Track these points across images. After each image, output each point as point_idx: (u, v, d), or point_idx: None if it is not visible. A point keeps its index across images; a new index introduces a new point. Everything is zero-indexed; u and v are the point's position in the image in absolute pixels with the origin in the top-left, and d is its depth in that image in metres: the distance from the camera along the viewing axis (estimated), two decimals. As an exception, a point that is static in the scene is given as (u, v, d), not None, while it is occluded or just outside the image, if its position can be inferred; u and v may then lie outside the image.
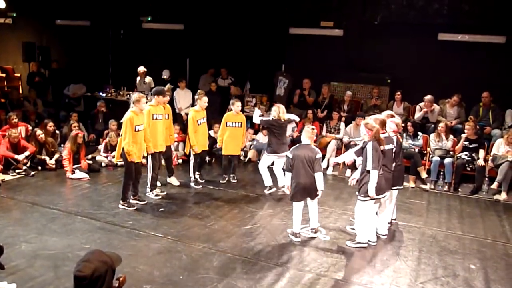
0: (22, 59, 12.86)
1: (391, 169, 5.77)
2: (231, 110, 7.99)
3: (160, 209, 6.65)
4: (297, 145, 5.83)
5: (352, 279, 4.85)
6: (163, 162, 7.70)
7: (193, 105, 9.72)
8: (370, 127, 5.38)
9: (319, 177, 5.59)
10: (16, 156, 7.90)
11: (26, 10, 12.88)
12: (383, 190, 5.47)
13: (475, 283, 4.87)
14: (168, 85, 8.54)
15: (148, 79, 11.21)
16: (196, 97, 7.79)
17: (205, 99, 7.66)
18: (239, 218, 6.43)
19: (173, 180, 7.76)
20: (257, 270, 4.90)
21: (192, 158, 7.76)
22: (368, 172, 5.30)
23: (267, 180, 7.49)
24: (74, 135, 8.23)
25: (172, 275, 4.71)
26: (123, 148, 6.34)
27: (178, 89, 10.48)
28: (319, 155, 5.66)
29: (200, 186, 7.77)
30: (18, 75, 13.28)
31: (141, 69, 11.14)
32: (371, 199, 5.38)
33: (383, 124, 5.70)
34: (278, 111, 7.20)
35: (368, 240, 5.64)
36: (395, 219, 6.41)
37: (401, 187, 6.21)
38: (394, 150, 5.79)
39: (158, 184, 7.39)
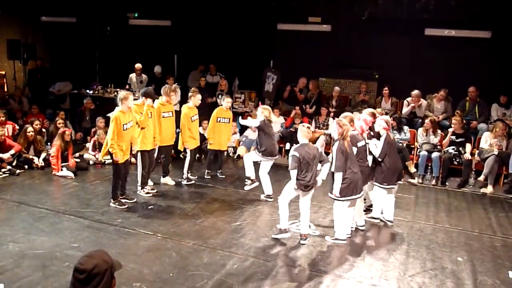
0: (6, 56, 12.66)
1: (368, 165, 5.89)
2: (221, 105, 8.04)
3: (150, 207, 6.61)
4: (299, 144, 5.49)
5: (342, 273, 4.88)
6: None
7: (181, 102, 9.70)
8: (342, 124, 5.41)
9: (326, 167, 5.48)
10: (0, 155, 7.79)
11: (10, 6, 12.66)
12: (359, 189, 5.50)
13: (462, 275, 4.93)
14: (175, 85, 8.53)
15: (143, 77, 11.15)
16: (190, 94, 7.75)
17: (199, 96, 7.69)
18: (229, 215, 6.43)
19: (168, 180, 7.68)
20: (247, 266, 4.90)
21: (188, 155, 7.74)
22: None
23: (269, 189, 7.07)
24: (61, 132, 8.14)
25: (162, 272, 4.69)
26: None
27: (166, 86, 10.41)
28: (320, 149, 5.70)
29: (192, 182, 7.78)
30: (3, 73, 13.06)
31: (138, 65, 11.09)
32: (347, 199, 5.43)
33: (351, 121, 5.79)
34: (269, 113, 7.06)
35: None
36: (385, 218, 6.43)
37: (394, 186, 6.25)
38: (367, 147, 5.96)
39: (150, 182, 7.32)
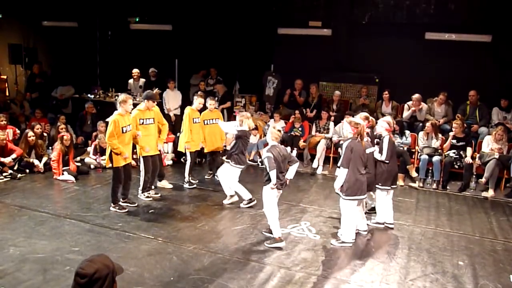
0: (8, 61, 12.71)
1: (373, 171, 5.90)
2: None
3: (150, 211, 6.62)
4: (269, 146, 5.54)
5: (343, 277, 4.87)
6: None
7: (182, 105, 9.75)
8: (355, 125, 5.43)
9: (295, 167, 5.60)
10: (2, 159, 7.81)
11: (12, 11, 12.73)
12: (364, 191, 5.51)
13: (463, 279, 4.92)
14: (156, 90, 8.52)
15: (142, 81, 11.19)
16: (195, 96, 7.87)
17: (200, 100, 7.71)
18: (230, 219, 6.43)
19: (165, 184, 7.71)
20: (248, 270, 4.90)
21: (188, 158, 7.76)
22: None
23: (246, 194, 6.89)
24: (60, 136, 8.17)
25: (163, 276, 4.69)
26: (111, 152, 6.28)
27: (167, 90, 10.45)
28: (289, 149, 5.68)
29: (194, 186, 7.79)
30: (5, 77, 13.11)
31: (135, 71, 11.11)
32: (354, 199, 5.43)
33: (366, 119, 5.81)
34: (249, 122, 6.85)
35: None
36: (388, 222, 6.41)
37: (395, 186, 6.30)
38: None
39: (153, 186, 7.33)
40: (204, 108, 8.00)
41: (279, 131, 5.67)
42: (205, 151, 8.11)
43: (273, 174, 5.37)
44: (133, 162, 6.83)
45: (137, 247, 5.36)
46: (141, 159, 6.90)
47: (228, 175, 6.89)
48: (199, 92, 8.28)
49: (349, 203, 5.50)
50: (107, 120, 6.43)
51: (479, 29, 9.69)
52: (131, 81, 11.29)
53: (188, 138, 7.59)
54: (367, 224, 6.15)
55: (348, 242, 5.60)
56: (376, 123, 6.44)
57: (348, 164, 5.36)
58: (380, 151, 6.03)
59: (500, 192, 8.05)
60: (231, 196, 7.04)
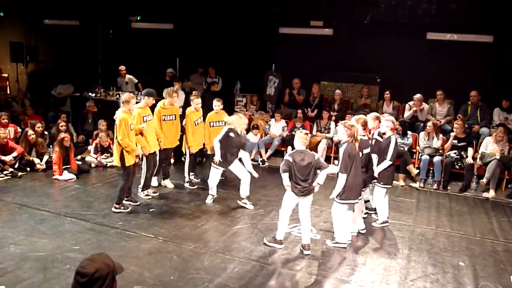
0: (9, 59, 12.71)
1: (366, 171, 5.87)
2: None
3: (151, 210, 6.61)
4: (294, 150, 5.38)
5: (343, 277, 4.87)
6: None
7: (184, 105, 9.73)
8: (349, 126, 5.39)
9: (325, 172, 5.26)
10: (3, 158, 7.80)
11: (13, 9, 12.73)
12: (359, 194, 5.49)
13: (464, 280, 4.92)
14: (177, 86, 8.49)
15: (128, 77, 11.18)
16: (191, 97, 7.79)
17: (197, 101, 7.61)
18: (230, 218, 6.43)
19: (168, 183, 7.70)
20: (248, 270, 4.90)
21: (187, 158, 7.75)
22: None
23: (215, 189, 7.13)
24: (59, 139, 8.06)
25: (163, 275, 4.69)
26: (122, 151, 6.26)
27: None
28: (317, 155, 5.41)
29: (195, 186, 7.76)
30: (6, 75, 13.11)
31: (122, 67, 11.21)
32: (345, 203, 5.41)
33: (365, 124, 5.76)
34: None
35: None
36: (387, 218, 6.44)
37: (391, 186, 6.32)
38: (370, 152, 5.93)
39: (155, 183, 7.35)
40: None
41: (307, 134, 5.41)
42: (209, 152, 8.04)
43: (284, 176, 5.22)
44: (137, 160, 6.83)
45: (138, 246, 5.36)
46: (144, 157, 6.90)
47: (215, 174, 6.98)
48: (194, 92, 8.20)
49: (340, 207, 5.45)
50: (114, 117, 6.40)
51: (481, 30, 9.68)
52: (119, 78, 11.32)
53: (191, 142, 7.53)
54: (373, 226, 6.21)
55: (342, 243, 5.57)
56: None
57: (346, 169, 5.29)
58: (385, 153, 6.02)
59: (501, 193, 8.04)
60: (213, 195, 7.10)
